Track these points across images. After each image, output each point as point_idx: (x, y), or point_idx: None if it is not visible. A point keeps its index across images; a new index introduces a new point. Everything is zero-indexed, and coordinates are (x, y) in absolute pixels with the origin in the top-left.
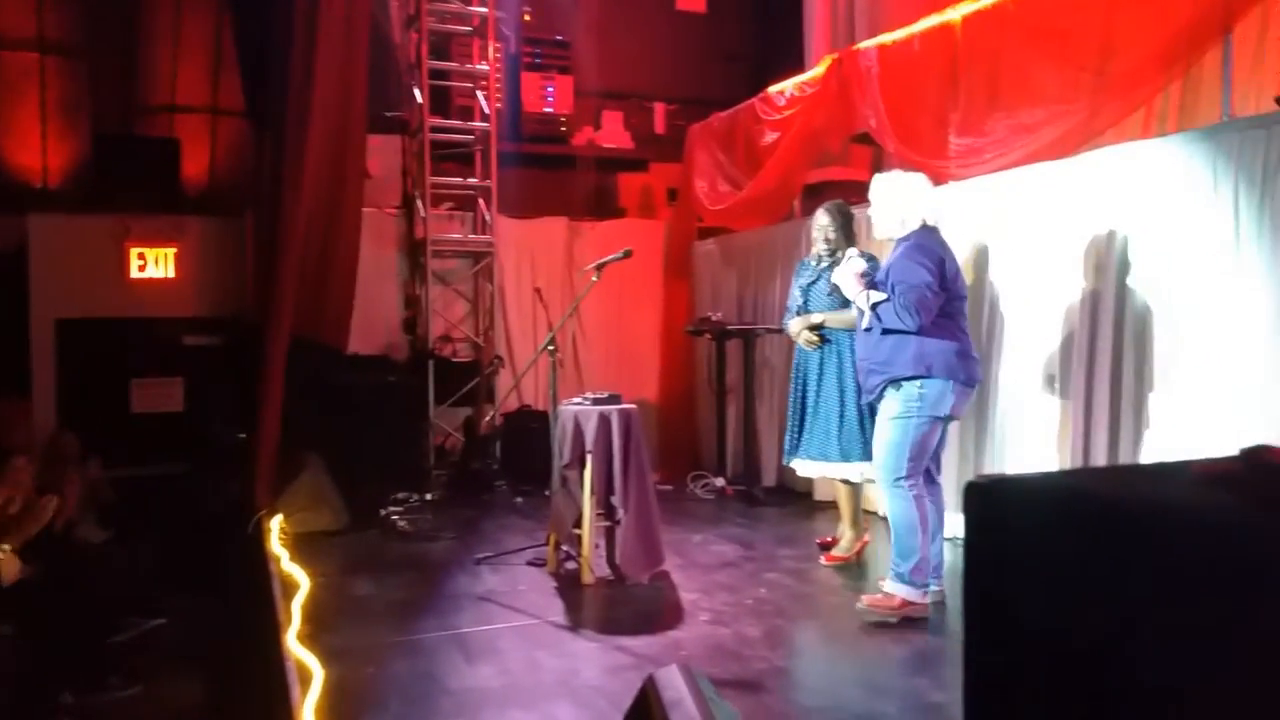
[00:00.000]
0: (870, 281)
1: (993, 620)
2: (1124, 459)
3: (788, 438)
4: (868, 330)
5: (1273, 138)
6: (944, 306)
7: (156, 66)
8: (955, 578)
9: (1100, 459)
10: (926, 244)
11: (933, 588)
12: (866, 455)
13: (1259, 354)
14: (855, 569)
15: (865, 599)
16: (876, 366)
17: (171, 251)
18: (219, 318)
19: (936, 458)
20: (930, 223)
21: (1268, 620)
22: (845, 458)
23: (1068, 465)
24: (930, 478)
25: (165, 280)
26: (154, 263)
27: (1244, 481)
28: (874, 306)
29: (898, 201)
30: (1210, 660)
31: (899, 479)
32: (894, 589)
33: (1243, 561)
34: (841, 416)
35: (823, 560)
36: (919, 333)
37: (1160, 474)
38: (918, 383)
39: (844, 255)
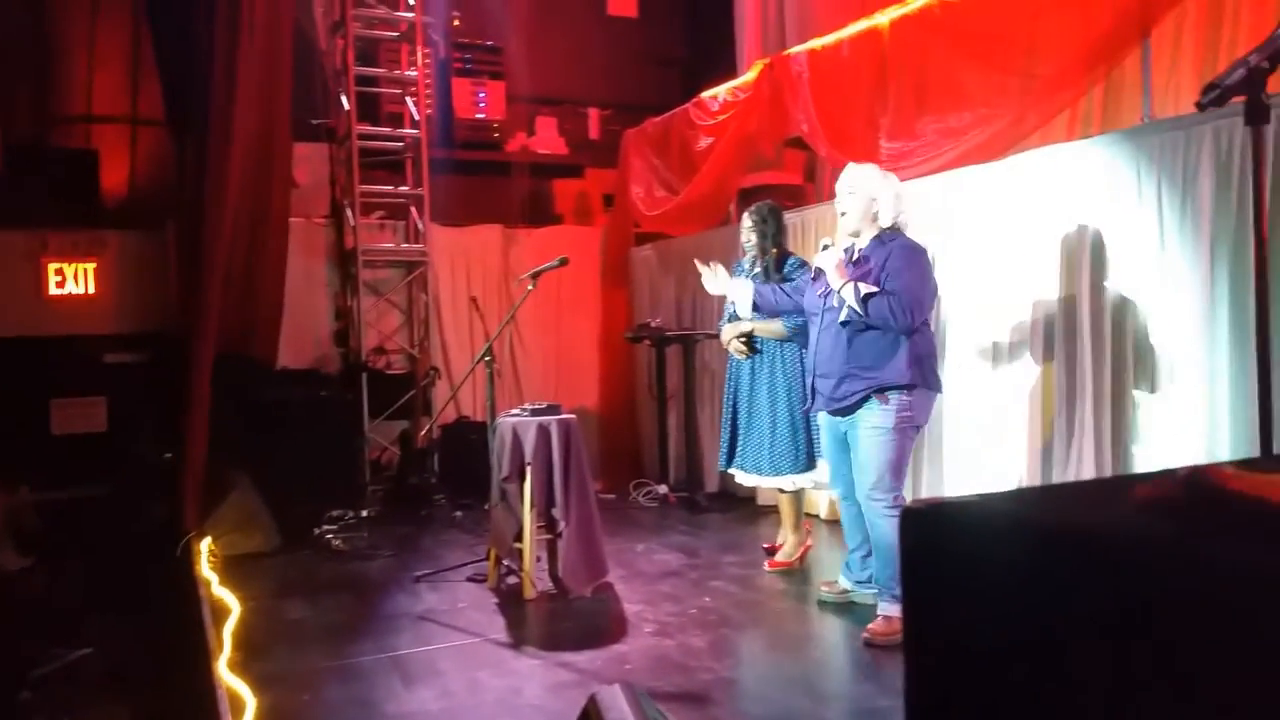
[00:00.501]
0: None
1: (931, 644)
2: (1056, 465)
3: (722, 447)
4: (844, 324)
5: (1191, 139)
6: None
7: (71, 75)
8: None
9: (1037, 463)
10: (918, 246)
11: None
12: (798, 467)
13: (1182, 352)
14: (799, 574)
15: (869, 629)
16: (858, 371)
17: (91, 266)
18: (142, 334)
19: None
20: (898, 224)
21: (1204, 648)
22: (776, 471)
23: (1001, 468)
24: None
25: (85, 296)
26: (73, 278)
27: (1183, 505)
28: (865, 299)
29: (880, 196)
30: (1147, 687)
31: (898, 496)
32: (895, 611)
33: (1181, 588)
34: (773, 429)
35: (766, 566)
36: (905, 336)
37: (1099, 496)
38: (905, 391)
39: (790, 253)
